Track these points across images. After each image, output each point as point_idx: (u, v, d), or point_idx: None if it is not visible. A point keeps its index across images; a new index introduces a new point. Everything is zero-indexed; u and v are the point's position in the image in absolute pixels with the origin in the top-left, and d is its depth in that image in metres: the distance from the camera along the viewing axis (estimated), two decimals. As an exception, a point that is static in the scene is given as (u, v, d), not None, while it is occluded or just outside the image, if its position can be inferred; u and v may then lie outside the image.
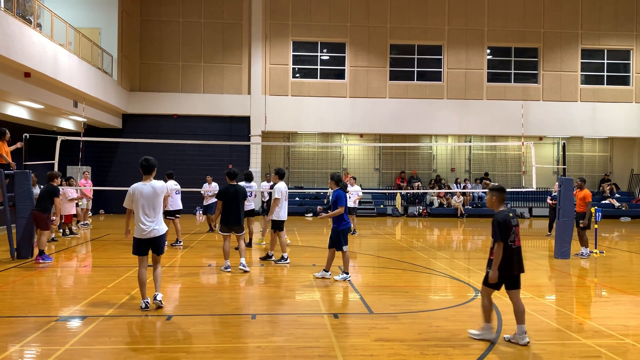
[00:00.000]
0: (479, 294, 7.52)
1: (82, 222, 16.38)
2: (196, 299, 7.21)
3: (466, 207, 23.31)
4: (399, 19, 23.63)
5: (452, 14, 23.79)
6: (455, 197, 23.35)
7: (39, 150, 15.09)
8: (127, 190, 6.65)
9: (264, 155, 23.23)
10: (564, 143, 12.57)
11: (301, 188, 23.87)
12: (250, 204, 12.32)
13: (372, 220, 21.31)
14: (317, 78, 23.58)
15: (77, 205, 15.06)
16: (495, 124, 23.51)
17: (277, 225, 10.10)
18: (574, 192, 11.46)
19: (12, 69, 13.26)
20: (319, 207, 9.90)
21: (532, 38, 24.12)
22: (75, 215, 14.97)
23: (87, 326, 5.76)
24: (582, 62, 24.38)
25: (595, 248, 11.91)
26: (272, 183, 13.26)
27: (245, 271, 9.07)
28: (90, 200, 17.09)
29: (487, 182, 24.31)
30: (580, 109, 23.98)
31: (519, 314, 5.33)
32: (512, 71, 24.37)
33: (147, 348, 5.13)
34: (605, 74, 24.59)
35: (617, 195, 24.59)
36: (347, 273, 8.49)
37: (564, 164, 12.49)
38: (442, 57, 23.94)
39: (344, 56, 23.66)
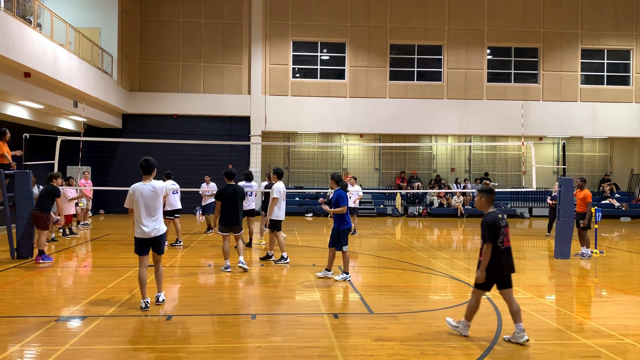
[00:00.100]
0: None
1: (82, 222, 16.38)
2: (196, 299, 7.21)
3: (466, 207, 23.30)
4: (399, 19, 23.63)
5: (452, 14, 23.79)
6: (455, 197, 23.35)
7: (39, 150, 15.10)
8: (127, 190, 6.67)
9: (264, 155, 23.23)
10: (564, 143, 12.57)
11: (301, 188, 23.88)
12: (250, 204, 12.31)
13: (372, 220, 21.31)
14: (317, 78, 23.58)
15: (77, 205, 15.06)
16: (495, 124, 23.51)
17: (275, 225, 10.10)
18: (574, 192, 11.46)
19: (12, 69, 13.26)
20: (320, 198, 9.88)
21: (532, 38, 24.12)
22: (75, 215, 14.97)
23: (87, 326, 5.76)
24: (582, 62, 24.38)
25: (595, 248, 11.91)
26: (266, 182, 13.22)
27: (244, 269, 9.08)
28: (90, 200, 17.09)
29: (487, 182, 24.31)
30: (580, 109, 23.98)
31: (515, 313, 5.34)
32: (512, 71, 24.37)
33: (147, 348, 5.13)
34: (605, 74, 24.59)
35: (617, 195, 24.60)
36: (347, 273, 8.50)
37: (564, 164, 12.49)
38: (442, 57, 23.94)
39: (344, 56, 23.66)
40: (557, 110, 23.82)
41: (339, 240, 8.49)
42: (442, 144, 25.52)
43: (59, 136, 12.54)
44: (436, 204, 23.77)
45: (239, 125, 22.95)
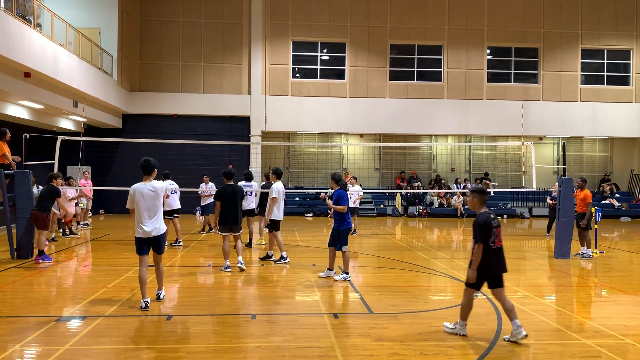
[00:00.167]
0: (478, 294, 7.54)
1: (82, 222, 16.38)
2: (196, 299, 7.21)
3: (466, 207, 23.28)
4: (399, 19, 23.63)
5: (452, 14, 23.79)
6: (455, 197, 23.35)
7: (39, 150, 15.11)
8: (126, 190, 6.68)
9: (264, 155, 23.23)
10: (564, 143, 12.57)
11: (301, 188, 23.87)
12: (250, 204, 12.30)
13: (372, 220, 21.31)
14: (317, 78, 23.58)
15: (76, 205, 15.06)
16: (495, 124, 23.52)
17: (274, 225, 10.10)
18: (575, 192, 11.46)
19: (12, 69, 13.26)
20: (322, 193, 9.89)
21: (532, 38, 24.13)
22: (74, 215, 14.97)
23: (87, 326, 5.76)
24: (582, 62, 24.38)
25: (595, 248, 11.91)
26: (264, 182, 13.17)
27: (242, 269, 9.10)
28: (90, 200, 17.09)
29: (487, 182, 24.32)
30: (580, 109, 23.98)
31: (509, 311, 5.37)
32: (512, 71, 24.37)
33: (147, 348, 5.13)
34: (605, 74, 24.59)
35: (617, 195, 24.60)
36: (347, 273, 8.50)
37: (564, 164, 12.49)
38: (442, 57, 23.94)
39: (344, 56, 23.66)
40: (557, 110, 23.82)
41: (339, 240, 8.50)
42: (442, 144, 25.53)
43: (59, 136, 12.53)
44: (436, 204, 23.78)
45: (239, 125, 22.95)
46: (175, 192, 12.52)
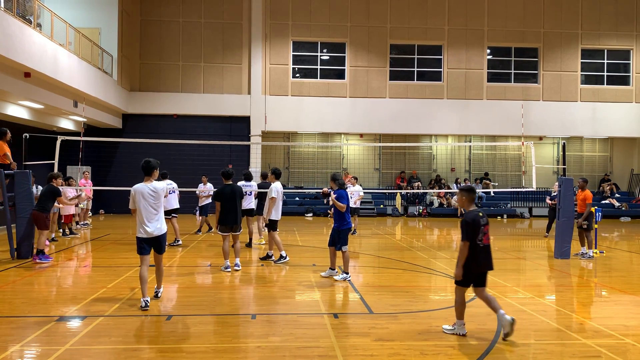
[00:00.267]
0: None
1: (82, 222, 16.38)
2: (196, 299, 7.21)
3: (466, 207, 23.26)
4: (399, 19, 23.63)
5: (452, 14, 23.79)
6: (455, 197, 23.34)
7: (39, 150, 15.10)
8: (126, 190, 6.71)
9: (264, 155, 23.24)
10: (564, 143, 12.56)
11: (301, 188, 23.87)
12: (250, 203, 12.29)
13: (372, 220, 21.31)
14: (317, 78, 23.58)
15: (77, 205, 15.04)
16: (495, 124, 23.52)
17: (272, 225, 10.11)
18: (576, 192, 11.47)
19: (12, 69, 13.26)
20: (324, 189, 9.90)
21: (532, 38, 24.13)
22: (74, 215, 14.96)
23: (87, 326, 5.76)
24: (582, 62, 24.38)
25: (595, 248, 11.91)
26: (259, 182, 13.13)
27: (236, 269, 9.15)
28: (90, 201, 17.08)
29: (487, 182, 24.33)
30: (580, 109, 23.98)
31: (492, 304, 5.49)
32: (512, 71, 24.37)
33: (147, 348, 5.13)
34: (605, 74, 24.59)
35: (617, 195, 24.60)
36: (347, 273, 8.50)
37: (564, 164, 12.49)
38: (442, 57, 23.94)
39: (344, 56, 23.66)
40: (557, 110, 23.82)
41: (339, 240, 8.51)
42: (442, 144, 25.53)
43: (59, 136, 12.53)
44: (436, 204, 23.77)
45: (239, 125, 22.95)
46: (174, 192, 12.51)
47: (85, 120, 19.37)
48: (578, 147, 26.00)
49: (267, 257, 10.27)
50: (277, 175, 10.32)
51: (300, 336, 5.49)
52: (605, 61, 24.61)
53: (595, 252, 11.72)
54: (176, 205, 12.67)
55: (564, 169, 12.68)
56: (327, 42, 23.79)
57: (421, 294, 7.71)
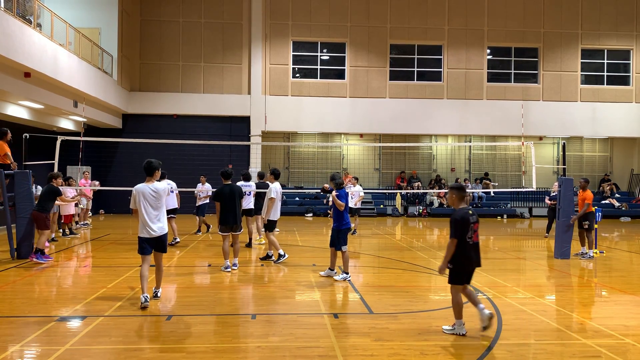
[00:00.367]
0: (479, 294, 7.53)
1: (82, 222, 16.38)
2: (196, 299, 7.21)
3: (466, 207, 23.26)
4: (399, 19, 23.63)
5: (452, 14, 23.79)
6: (455, 197, 23.31)
7: (39, 150, 15.10)
8: (126, 190, 6.74)
9: (264, 155, 23.24)
10: (564, 143, 12.56)
11: (301, 188, 23.87)
12: (249, 203, 12.28)
13: (372, 220, 21.31)
14: (317, 78, 23.58)
15: (76, 205, 15.05)
16: (495, 124, 23.51)
17: (269, 225, 10.12)
18: (578, 192, 11.47)
19: (12, 69, 13.26)
20: (325, 185, 9.88)
21: (532, 38, 24.13)
22: (74, 216, 14.96)
23: (87, 326, 5.76)
24: (582, 62, 24.38)
25: (595, 248, 11.91)
26: (256, 182, 13.11)
27: (233, 269, 9.20)
28: (90, 200, 17.09)
29: (487, 182, 24.33)
30: (580, 109, 23.98)
31: (472, 298, 5.66)
32: (512, 71, 24.37)
33: (147, 348, 5.13)
34: (605, 74, 24.59)
35: (617, 195, 24.60)
36: (347, 273, 8.50)
37: (564, 164, 12.49)
38: (442, 57, 23.94)
39: (344, 56, 23.66)
40: (557, 110, 23.82)
41: (338, 240, 8.50)
42: (442, 144, 25.53)
43: (59, 136, 12.54)
44: (436, 204, 23.77)
45: (239, 125, 22.95)
46: (172, 192, 12.48)
47: (85, 120, 19.37)
48: (578, 147, 26.00)
49: (267, 257, 10.27)
50: (276, 175, 10.32)
51: (300, 336, 5.49)
52: (605, 61, 24.61)
53: (595, 252, 11.71)
54: (174, 205, 12.65)
55: (564, 169, 12.68)
56: (327, 42, 23.79)
57: (421, 294, 7.71)
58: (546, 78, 24.14)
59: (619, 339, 5.53)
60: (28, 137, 11.90)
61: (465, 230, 5.48)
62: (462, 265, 5.52)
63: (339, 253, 8.61)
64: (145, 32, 22.80)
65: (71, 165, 19.23)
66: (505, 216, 23.38)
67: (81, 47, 17.03)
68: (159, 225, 6.73)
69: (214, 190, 9.51)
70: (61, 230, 14.19)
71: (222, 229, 9.16)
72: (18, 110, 15.74)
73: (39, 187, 12.71)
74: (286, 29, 23.32)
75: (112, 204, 22.02)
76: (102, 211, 22.26)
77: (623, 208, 23.61)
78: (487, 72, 24.01)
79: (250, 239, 12.52)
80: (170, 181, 12.50)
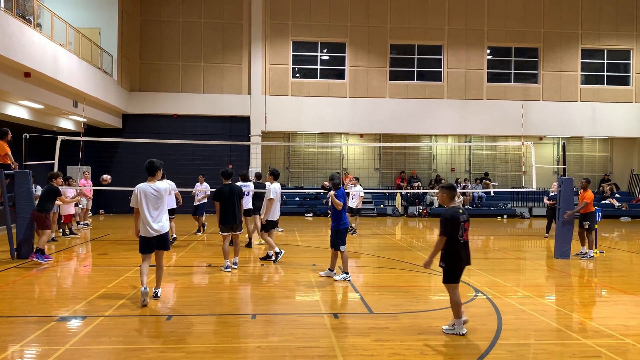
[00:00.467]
0: (479, 294, 7.54)
1: (82, 222, 16.38)
2: (196, 299, 7.21)
3: (466, 207, 23.29)
4: (399, 19, 23.63)
5: (452, 14, 23.79)
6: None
7: (39, 150, 15.10)
8: (126, 190, 6.77)
9: (264, 155, 23.25)
10: (564, 143, 12.57)
11: (301, 188, 23.87)
12: (247, 203, 12.27)
13: (372, 220, 21.31)
14: (317, 78, 23.58)
15: (76, 205, 15.05)
16: (495, 124, 23.51)
17: (267, 226, 10.12)
18: (579, 192, 11.48)
19: (12, 69, 13.26)
20: (324, 182, 9.89)
21: (532, 38, 24.13)
22: (74, 216, 14.96)
23: (87, 326, 5.76)
24: (582, 62, 24.38)
25: (595, 248, 11.91)
26: (253, 182, 13.10)
27: (233, 268, 9.22)
28: (90, 200, 17.09)
29: (487, 182, 24.33)
30: (580, 109, 23.98)
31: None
32: (512, 71, 24.37)
33: (147, 348, 5.13)
34: (605, 74, 24.60)
35: (617, 195, 24.60)
36: (347, 273, 8.50)
37: (564, 164, 12.49)
38: (442, 57, 23.94)
39: (344, 56, 23.66)
40: (557, 110, 23.82)
41: (336, 240, 8.49)
42: (442, 144, 25.53)
43: (59, 136, 12.52)
44: (436, 204, 23.76)
45: (239, 125, 22.95)
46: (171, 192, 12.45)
47: (85, 120, 19.37)
48: (578, 147, 26.00)
49: (267, 257, 10.27)
50: (275, 176, 10.32)
51: (300, 336, 5.49)
52: (605, 61, 24.61)
53: (595, 252, 11.71)
54: (173, 205, 12.64)
55: (564, 169, 12.68)
56: (327, 42, 23.79)
57: (421, 294, 7.71)
58: (546, 78, 24.14)
59: (619, 339, 5.53)
60: (28, 137, 11.90)
61: (456, 229, 5.58)
62: (454, 263, 5.62)
63: (337, 252, 8.60)
64: (145, 32, 22.81)
65: (71, 165, 19.23)
66: (505, 216, 23.38)
67: (81, 47, 17.03)
68: (160, 225, 6.80)
69: (214, 190, 9.50)
70: (61, 230, 14.18)
71: (222, 228, 9.16)
72: (18, 110, 15.74)
73: (39, 187, 12.71)
74: (286, 29, 23.32)
75: (112, 204, 22.02)
76: (102, 211, 22.26)
77: (623, 208, 23.61)
78: (487, 72, 24.01)
79: (250, 239, 12.51)
80: (169, 181, 12.48)
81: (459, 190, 22.67)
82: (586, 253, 11.29)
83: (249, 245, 12.33)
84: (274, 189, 10.06)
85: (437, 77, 23.99)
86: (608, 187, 24.58)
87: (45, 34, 14.33)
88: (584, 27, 24.27)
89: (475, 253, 12.26)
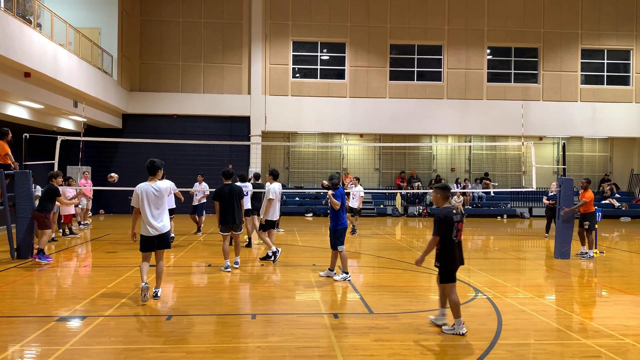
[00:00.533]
0: (479, 294, 7.54)
1: (82, 222, 16.37)
2: (196, 299, 7.21)
3: (466, 207, 23.31)
4: (399, 19, 23.63)
5: (452, 14, 23.80)
6: (455, 197, 23.32)
7: (39, 150, 15.10)
8: (126, 190, 6.79)
9: (264, 155, 23.25)
10: (564, 143, 12.57)
11: (301, 188, 23.87)
12: (246, 204, 12.26)
13: (372, 220, 21.31)
14: (317, 78, 23.58)
15: (76, 205, 15.04)
16: (495, 124, 23.51)
17: (265, 225, 10.12)
18: (580, 192, 11.49)
19: (12, 69, 13.26)
20: (323, 181, 9.92)
21: (532, 38, 24.13)
22: (74, 215, 14.95)
23: (87, 326, 5.76)
24: (582, 62, 24.38)
25: (595, 248, 11.91)
26: (251, 182, 13.09)
27: (234, 267, 9.25)
28: (90, 200, 17.09)
29: (487, 182, 24.33)
30: (580, 109, 23.98)
31: (443, 298, 5.86)
32: (512, 71, 24.37)
33: (147, 348, 5.13)
34: (605, 74, 24.60)
35: (617, 195, 24.60)
36: (347, 273, 8.50)
37: (564, 164, 12.49)
38: (442, 57, 23.94)
39: (344, 56, 23.66)
40: (557, 110, 23.82)
41: (334, 240, 8.49)
42: (442, 144, 25.53)
43: (59, 136, 12.51)
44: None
45: (239, 125, 22.95)
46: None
47: (85, 120, 19.37)
48: (578, 147, 26.00)
49: (267, 258, 10.26)
50: (274, 176, 10.32)
51: (300, 336, 5.49)
52: (605, 61, 24.61)
53: (595, 252, 11.71)
54: (172, 205, 12.63)
55: (564, 169, 12.69)
56: (327, 42, 23.79)
57: (421, 294, 7.71)
58: (546, 78, 24.15)
59: (619, 339, 5.53)
60: (28, 137, 11.90)
61: (450, 229, 5.64)
62: (448, 263, 5.68)
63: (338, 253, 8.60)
64: (145, 32, 22.80)
65: (71, 165, 19.23)
66: (505, 216, 23.38)
67: (81, 47, 17.03)
68: (161, 224, 6.85)
69: (214, 189, 9.50)
70: (61, 230, 14.18)
71: (222, 228, 9.16)
72: (18, 110, 15.74)
73: (38, 187, 12.70)
74: (286, 29, 23.32)
75: (112, 204, 22.02)
76: (102, 211, 22.26)
77: (623, 208, 23.61)
78: (487, 72, 24.01)
79: (250, 239, 12.51)
80: (168, 181, 12.46)
81: (459, 190, 22.75)
82: (586, 253, 11.29)
83: (248, 245, 12.33)
84: (273, 189, 10.06)
85: (437, 77, 23.99)
86: (608, 187, 24.58)
87: (45, 34, 14.33)
88: (584, 27, 24.27)
89: (475, 253, 12.29)
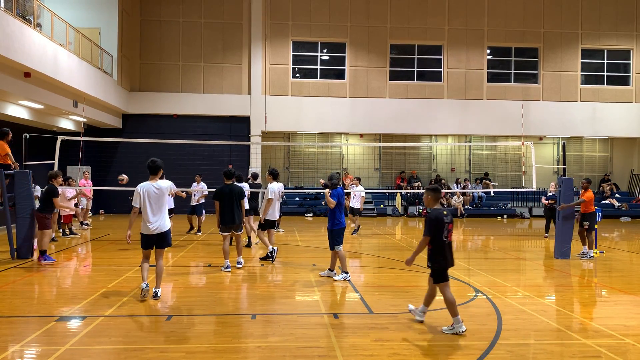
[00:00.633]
0: (479, 294, 7.54)
1: (83, 222, 16.36)
2: (196, 299, 7.21)
3: (466, 207, 23.31)
4: (399, 19, 23.63)
5: (452, 14, 23.79)
6: (455, 197, 23.34)
7: (39, 150, 15.10)
8: (126, 190, 6.82)
9: (264, 155, 23.24)
10: (564, 143, 12.57)
11: (301, 188, 23.87)
12: (246, 204, 12.26)
13: (372, 220, 21.31)
14: (317, 78, 23.58)
15: (76, 205, 15.04)
16: (495, 124, 23.51)
17: (264, 225, 10.12)
18: (580, 192, 11.49)
19: (12, 69, 13.26)
20: (321, 180, 9.93)
21: (532, 38, 24.13)
22: (74, 215, 14.95)
23: (87, 326, 5.76)
24: (582, 62, 24.38)
25: (595, 248, 11.91)
26: (250, 182, 13.07)
27: (237, 267, 9.26)
28: (90, 200, 17.08)
29: (487, 182, 24.33)
30: (580, 109, 23.98)
31: (429, 298, 5.98)
32: (512, 71, 24.37)
33: (147, 348, 5.13)
34: (605, 74, 24.60)
35: (617, 195, 24.60)
36: (347, 272, 8.49)
37: (564, 164, 12.50)
38: (442, 57, 23.94)
39: (344, 56, 23.66)
40: (557, 110, 23.82)
41: (332, 240, 8.48)
42: (442, 144, 25.53)
43: (59, 136, 12.53)
44: (436, 204, 23.73)
45: (239, 125, 22.95)
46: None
47: (85, 120, 19.37)
48: (578, 147, 26.00)
49: (267, 258, 10.26)
50: (274, 175, 10.31)
51: (300, 336, 5.49)
52: (605, 61, 24.61)
53: (595, 252, 11.71)
54: (171, 205, 12.62)
55: (564, 169, 12.69)
56: (327, 42, 23.79)
57: (421, 294, 7.67)
58: (546, 78, 24.15)
59: (619, 339, 5.53)
60: (28, 137, 11.90)
61: (440, 230, 5.70)
62: (441, 263, 5.74)
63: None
64: (145, 32, 22.80)
65: (71, 165, 19.23)
66: (505, 216, 23.38)
67: (81, 47, 17.03)
68: (161, 223, 6.93)
69: (214, 189, 9.51)
70: (61, 230, 14.18)
71: (222, 228, 9.16)
72: (18, 110, 15.74)
73: (38, 187, 12.71)
74: (286, 29, 23.32)
75: (112, 204, 22.01)
76: (102, 211, 22.25)
77: (623, 208, 23.61)
78: (487, 72, 24.01)
79: (250, 239, 12.51)
80: (168, 181, 12.46)
81: (459, 190, 22.75)
82: (586, 253, 11.29)
83: (248, 245, 12.33)
84: (272, 188, 10.07)
85: (437, 77, 23.99)
86: (608, 187, 24.58)
87: (45, 34, 14.33)
88: (584, 27, 24.27)
89: (475, 253, 12.30)
